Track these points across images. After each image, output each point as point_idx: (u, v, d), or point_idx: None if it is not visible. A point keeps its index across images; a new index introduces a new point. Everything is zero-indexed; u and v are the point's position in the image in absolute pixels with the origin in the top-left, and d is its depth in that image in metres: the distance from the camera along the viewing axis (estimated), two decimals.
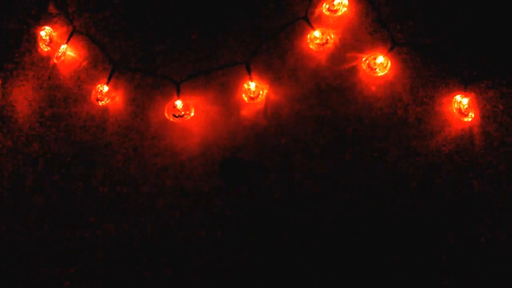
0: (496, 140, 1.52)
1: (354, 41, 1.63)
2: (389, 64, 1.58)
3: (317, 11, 1.65)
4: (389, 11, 1.63)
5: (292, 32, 1.65)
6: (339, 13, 1.65)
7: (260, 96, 1.62)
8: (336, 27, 1.64)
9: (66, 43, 1.71)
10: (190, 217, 1.58)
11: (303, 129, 1.59)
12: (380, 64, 1.59)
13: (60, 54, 1.70)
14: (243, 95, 1.62)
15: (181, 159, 1.61)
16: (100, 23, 1.72)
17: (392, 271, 1.49)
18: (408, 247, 1.49)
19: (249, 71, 1.62)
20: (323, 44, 1.63)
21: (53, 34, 1.72)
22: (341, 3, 1.63)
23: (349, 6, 1.64)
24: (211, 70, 1.65)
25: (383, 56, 1.58)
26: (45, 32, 1.71)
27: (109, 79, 1.66)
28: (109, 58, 1.69)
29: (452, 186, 1.51)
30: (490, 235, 1.47)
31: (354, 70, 1.61)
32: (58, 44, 1.71)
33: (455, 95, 1.55)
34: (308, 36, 1.64)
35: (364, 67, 1.60)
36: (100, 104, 1.66)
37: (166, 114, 1.62)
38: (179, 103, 1.61)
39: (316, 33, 1.63)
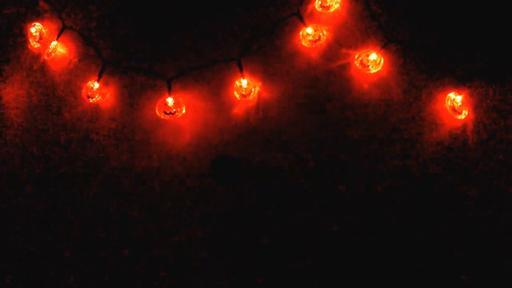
0: (490, 138, 1.51)
1: (347, 38, 1.62)
2: (382, 61, 1.57)
3: (309, 7, 1.64)
4: (381, 8, 1.62)
5: (284, 29, 1.64)
6: (332, 10, 1.63)
7: (252, 93, 1.61)
8: (328, 24, 1.63)
9: (57, 39, 1.69)
10: (182, 214, 1.56)
11: (295, 126, 1.58)
12: (373, 61, 1.57)
13: (50, 50, 1.68)
14: (235, 92, 1.61)
15: (172, 156, 1.59)
16: (90, 19, 1.71)
17: (389, 271, 1.48)
18: (402, 246, 1.48)
19: (240, 68, 1.61)
20: (315, 41, 1.62)
21: (43, 30, 1.70)
22: None
23: (341, 3, 1.62)
24: (202, 67, 1.64)
25: (376, 53, 1.57)
26: (35, 28, 1.69)
27: (99, 76, 1.64)
28: (99, 54, 1.68)
29: (445, 183, 1.50)
30: (482, 232, 1.46)
31: (347, 67, 1.60)
32: (49, 41, 1.69)
33: (448, 93, 1.54)
34: (301, 32, 1.62)
35: (357, 64, 1.59)
36: (91, 101, 1.64)
37: (157, 111, 1.60)
38: (170, 100, 1.60)
39: (309, 30, 1.61)
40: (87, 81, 1.65)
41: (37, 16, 1.73)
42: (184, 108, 1.61)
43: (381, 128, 1.55)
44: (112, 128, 1.62)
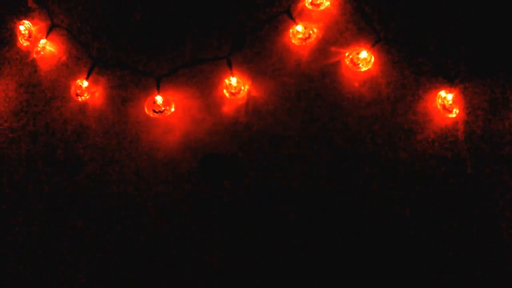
0: (481, 136, 1.50)
1: (337, 36, 1.60)
2: (373, 59, 1.56)
3: (299, 5, 1.62)
4: (372, 6, 1.60)
5: (274, 27, 1.62)
6: (322, 7, 1.61)
7: (241, 91, 1.60)
8: (319, 22, 1.61)
9: (46, 37, 1.68)
10: (171, 213, 1.55)
11: (285, 125, 1.57)
12: (363, 59, 1.56)
13: (39, 48, 1.68)
14: (224, 90, 1.60)
15: (162, 154, 1.58)
16: (80, 17, 1.70)
17: (381, 272, 1.47)
18: (391, 246, 1.47)
19: (230, 66, 1.60)
20: (305, 39, 1.60)
21: (32, 28, 1.70)
22: None
23: (332, 0, 1.61)
24: (191, 65, 1.63)
25: (367, 51, 1.56)
26: (24, 26, 1.69)
27: (88, 74, 1.64)
28: (89, 53, 1.67)
29: (436, 181, 1.48)
30: (472, 230, 1.45)
31: (337, 65, 1.58)
32: (38, 39, 1.68)
33: (439, 91, 1.52)
34: (291, 30, 1.61)
35: (347, 62, 1.57)
36: (80, 99, 1.64)
37: (146, 110, 1.59)
38: (159, 99, 1.59)
39: (299, 28, 1.60)
40: (76, 80, 1.64)
41: (26, 14, 1.72)
42: (173, 106, 1.60)
43: (371, 126, 1.53)
44: (101, 126, 1.62)
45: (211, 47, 1.63)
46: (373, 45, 1.56)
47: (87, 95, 1.63)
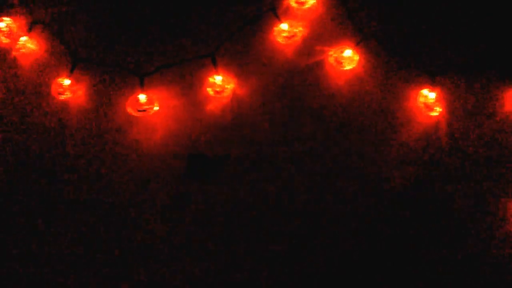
0: (463, 135, 1.52)
1: (322, 34, 1.61)
2: (357, 58, 1.56)
3: (285, 3, 1.62)
4: (357, 4, 1.61)
5: (259, 25, 1.62)
6: (307, 5, 1.62)
7: (226, 90, 1.59)
8: (304, 20, 1.62)
9: (27, 34, 1.65)
10: (157, 213, 1.54)
11: (270, 124, 1.57)
12: (347, 58, 1.56)
13: (20, 46, 1.64)
14: (209, 89, 1.59)
15: (145, 153, 1.57)
16: (62, 14, 1.67)
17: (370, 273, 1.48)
18: (370, 247, 1.49)
19: (214, 64, 1.59)
20: (290, 37, 1.61)
21: (12, 25, 1.66)
22: None
23: None
24: (175, 63, 1.61)
25: (351, 50, 1.56)
26: (4, 23, 1.65)
27: (70, 72, 1.61)
28: (71, 50, 1.64)
29: (418, 179, 1.50)
30: (453, 231, 1.47)
31: (321, 63, 1.59)
32: (18, 36, 1.65)
33: (422, 89, 1.54)
34: (276, 28, 1.61)
35: (332, 61, 1.58)
36: (62, 98, 1.61)
37: (129, 108, 1.58)
38: (142, 97, 1.57)
39: (284, 26, 1.60)
40: (58, 78, 1.61)
41: (7, 10, 1.68)
42: (157, 105, 1.58)
43: (354, 124, 1.54)
44: (83, 125, 1.59)
45: (196, 45, 1.62)
46: (357, 44, 1.57)
47: (69, 93, 1.60)
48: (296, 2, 1.62)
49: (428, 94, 1.52)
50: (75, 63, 1.62)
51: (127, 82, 1.61)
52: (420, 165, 1.50)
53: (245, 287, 1.48)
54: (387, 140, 1.53)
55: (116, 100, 1.60)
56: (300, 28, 1.60)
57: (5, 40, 1.66)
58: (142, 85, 1.58)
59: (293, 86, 1.59)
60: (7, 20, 1.66)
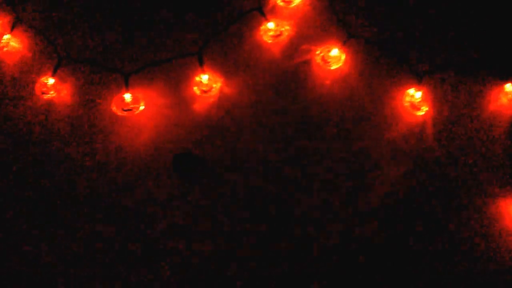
0: (449, 134, 1.52)
1: (309, 33, 1.60)
2: (343, 57, 1.56)
3: (271, 1, 1.62)
4: (344, 3, 1.61)
5: (245, 23, 1.61)
6: (294, 4, 1.62)
7: (213, 89, 1.58)
8: (290, 19, 1.61)
9: (10, 33, 1.63)
10: (143, 214, 1.53)
11: (258, 123, 1.56)
12: (334, 57, 1.56)
13: (3, 44, 1.62)
14: (195, 88, 1.58)
15: (131, 154, 1.55)
16: (46, 12, 1.65)
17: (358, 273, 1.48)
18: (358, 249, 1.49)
19: (201, 62, 1.58)
20: (277, 36, 1.60)
21: None
22: None
23: None
24: (161, 62, 1.60)
25: (337, 49, 1.56)
26: None
27: (54, 71, 1.59)
28: (55, 49, 1.62)
29: (403, 179, 1.50)
30: (438, 230, 1.48)
31: (308, 63, 1.58)
32: (1, 34, 1.63)
33: (407, 89, 1.54)
34: (262, 27, 1.60)
35: (318, 60, 1.58)
36: (46, 97, 1.59)
37: (114, 108, 1.56)
38: (127, 96, 1.56)
39: (270, 25, 1.59)
40: (42, 77, 1.59)
41: None
42: (142, 104, 1.57)
43: (341, 123, 1.54)
44: (68, 125, 1.57)
45: (182, 44, 1.61)
46: (344, 43, 1.57)
47: (53, 92, 1.59)
48: (283, 1, 1.62)
49: (415, 94, 1.52)
50: (59, 62, 1.61)
51: (112, 81, 1.60)
52: (407, 164, 1.51)
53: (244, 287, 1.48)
54: (374, 139, 1.53)
55: (100, 99, 1.58)
56: (287, 27, 1.60)
57: None
58: (127, 84, 1.57)
59: (280, 85, 1.58)
60: None
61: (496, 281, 1.42)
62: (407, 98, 1.53)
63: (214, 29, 1.61)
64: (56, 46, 1.62)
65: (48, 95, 1.59)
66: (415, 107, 1.52)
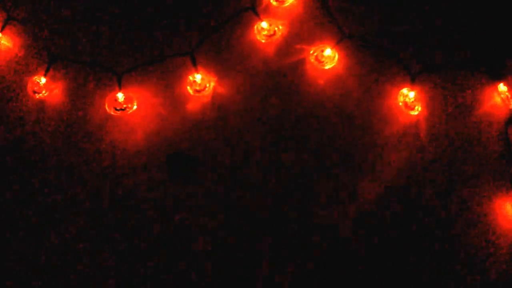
0: (442, 134, 1.52)
1: (302, 33, 1.60)
2: (337, 56, 1.56)
3: (264, 1, 1.61)
4: (337, 3, 1.61)
5: (239, 23, 1.61)
6: (287, 4, 1.61)
7: (206, 88, 1.57)
8: (284, 18, 1.61)
9: (1, 31, 1.61)
10: (135, 214, 1.52)
11: (251, 123, 1.55)
12: (327, 57, 1.56)
13: None
14: (188, 87, 1.57)
15: (124, 154, 1.54)
16: (37, 11, 1.64)
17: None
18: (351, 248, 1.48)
19: (194, 62, 1.57)
20: (271, 36, 1.60)
21: None
22: None
23: None
24: (154, 61, 1.59)
25: (331, 49, 1.56)
26: None
27: (46, 71, 1.58)
28: (47, 48, 1.61)
29: (398, 179, 1.50)
30: (434, 230, 1.48)
31: (302, 62, 1.58)
32: None
33: (401, 88, 1.54)
34: (256, 27, 1.59)
35: (312, 60, 1.57)
36: (38, 96, 1.57)
37: (106, 108, 1.55)
38: (120, 96, 1.55)
39: (264, 24, 1.59)
40: (33, 76, 1.57)
41: None
42: (135, 104, 1.56)
43: (334, 123, 1.54)
44: (60, 125, 1.56)
45: (175, 43, 1.60)
46: (337, 43, 1.57)
47: (45, 92, 1.57)
48: (276, 1, 1.61)
49: (408, 93, 1.52)
50: (51, 61, 1.59)
51: (105, 80, 1.58)
52: (401, 164, 1.50)
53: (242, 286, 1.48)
54: (368, 138, 1.53)
55: (93, 99, 1.57)
56: (280, 27, 1.59)
57: None
58: (120, 84, 1.56)
59: (274, 84, 1.57)
60: None
61: (496, 281, 1.42)
62: (401, 98, 1.53)
63: (207, 29, 1.60)
64: (48, 45, 1.61)
65: (40, 95, 1.57)
66: (409, 107, 1.52)
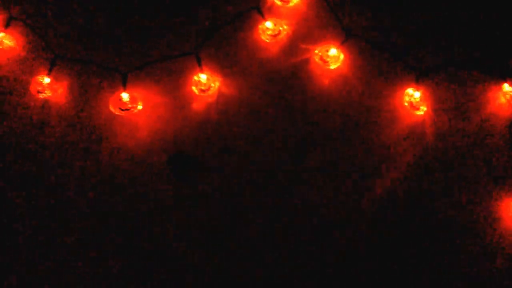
0: (448, 134, 1.53)
1: (307, 33, 1.60)
2: (342, 56, 1.56)
3: (269, 1, 1.61)
4: (342, 2, 1.60)
5: (243, 23, 1.60)
6: (292, 3, 1.61)
7: (211, 88, 1.57)
8: (289, 18, 1.60)
9: (4, 31, 1.60)
10: (138, 216, 1.52)
11: (256, 123, 1.55)
12: (332, 57, 1.56)
13: None
14: (193, 87, 1.57)
15: (128, 154, 1.54)
16: (40, 9, 1.62)
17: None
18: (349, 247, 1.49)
19: (199, 62, 1.56)
20: (275, 35, 1.59)
21: None
22: None
23: None
24: (159, 61, 1.59)
25: (336, 49, 1.56)
26: None
27: (50, 70, 1.57)
28: (50, 47, 1.60)
29: (403, 179, 1.51)
30: (437, 230, 1.48)
31: (307, 62, 1.58)
32: None
33: (407, 88, 1.54)
34: (260, 26, 1.59)
35: (317, 60, 1.57)
36: (41, 96, 1.56)
37: (111, 107, 1.54)
38: (125, 96, 1.54)
39: (268, 24, 1.58)
40: (37, 76, 1.56)
41: None
42: (140, 103, 1.55)
43: (340, 123, 1.54)
44: (64, 124, 1.55)
45: (180, 43, 1.59)
46: (342, 42, 1.57)
47: (49, 92, 1.56)
48: (281, 0, 1.61)
49: (414, 93, 1.52)
50: (55, 60, 1.58)
51: (109, 80, 1.58)
52: (406, 164, 1.51)
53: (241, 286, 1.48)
54: (373, 138, 1.53)
55: (97, 99, 1.57)
56: (285, 27, 1.59)
57: None
58: (124, 83, 1.55)
59: (279, 84, 1.57)
60: None
61: (496, 281, 1.43)
62: (406, 98, 1.53)
63: (212, 28, 1.60)
64: (52, 44, 1.60)
65: (44, 94, 1.56)
66: (414, 107, 1.52)
